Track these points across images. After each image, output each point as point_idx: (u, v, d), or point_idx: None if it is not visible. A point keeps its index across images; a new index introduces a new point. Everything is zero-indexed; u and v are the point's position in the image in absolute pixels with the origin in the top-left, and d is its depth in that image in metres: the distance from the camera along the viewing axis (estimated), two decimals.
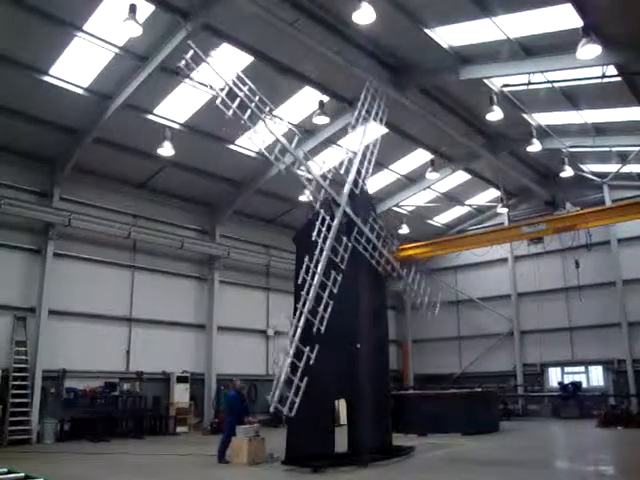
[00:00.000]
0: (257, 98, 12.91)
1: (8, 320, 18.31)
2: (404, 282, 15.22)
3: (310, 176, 13.54)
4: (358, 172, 14.53)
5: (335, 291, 12.54)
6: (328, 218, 13.19)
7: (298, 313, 12.10)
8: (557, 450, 16.75)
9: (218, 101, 12.46)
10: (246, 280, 25.76)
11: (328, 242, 12.91)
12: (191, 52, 12.35)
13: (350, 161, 14.58)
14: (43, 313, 18.61)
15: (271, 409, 11.24)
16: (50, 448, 16.68)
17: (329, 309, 12.33)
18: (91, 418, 19.05)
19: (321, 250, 12.75)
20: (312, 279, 12.44)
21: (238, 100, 12.62)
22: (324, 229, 12.99)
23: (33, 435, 17.62)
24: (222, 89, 12.44)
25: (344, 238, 13.35)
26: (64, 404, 19.00)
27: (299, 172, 13.54)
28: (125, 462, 14.18)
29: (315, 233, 12.84)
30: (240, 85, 12.76)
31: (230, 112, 12.42)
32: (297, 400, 11.24)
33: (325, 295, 12.43)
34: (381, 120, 15.81)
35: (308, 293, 12.29)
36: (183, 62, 12.29)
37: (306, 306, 12.15)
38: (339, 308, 12.91)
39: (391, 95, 18.52)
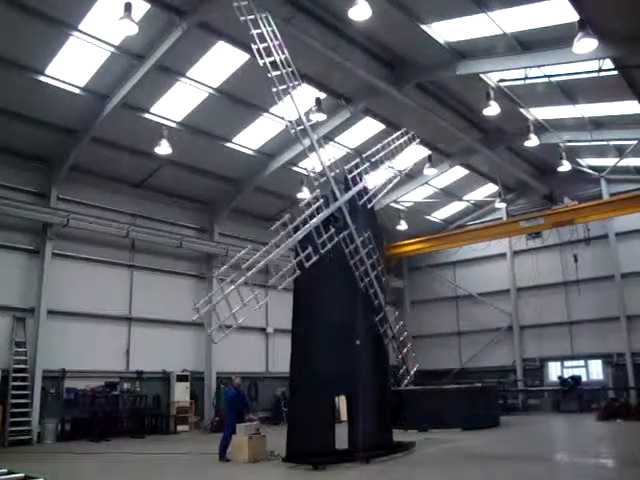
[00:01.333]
0: (290, 70, 12.94)
1: (7, 321, 18.29)
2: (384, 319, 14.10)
3: (318, 163, 13.40)
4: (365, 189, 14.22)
5: (306, 265, 12.47)
6: (322, 200, 13.05)
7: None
8: (557, 444, 16.78)
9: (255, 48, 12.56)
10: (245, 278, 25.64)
11: (314, 220, 12.72)
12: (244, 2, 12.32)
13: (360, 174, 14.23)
14: (42, 313, 18.61)
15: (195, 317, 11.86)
16: (50, 448, 16.69)
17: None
18: (91, 418, 19.04)
19: (304, 222, 12.66)
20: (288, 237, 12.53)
21: (271, 59, 12.71)
22: (313, 207, 12.87)
23: (33, 435, 17.63)
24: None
25: (332, 229, 13.04)
26: (64, 404, 19.01)
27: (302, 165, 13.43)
28: (126, 461, 14.19)
29: (304, 203, 12.82)
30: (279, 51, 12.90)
31: (262, 62, 12.55)
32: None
33: (294, 261, 12.51)
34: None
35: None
36: (235, 3, 12.34)
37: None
38: (338, 304, 12.93)
39: (388, 91, 18.57)
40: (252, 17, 12.53)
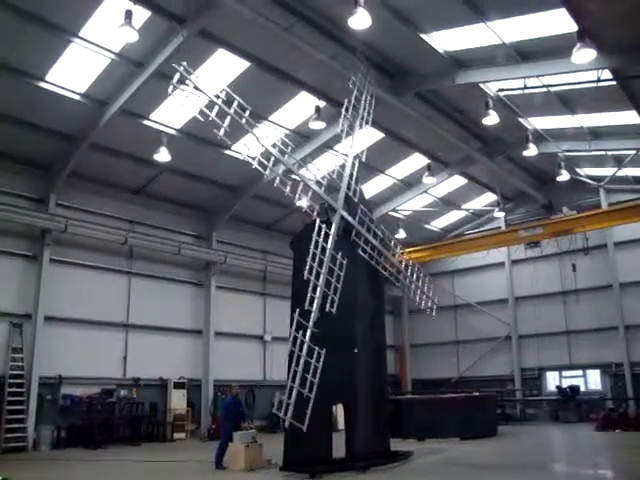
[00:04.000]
0: (247, 113, 12.98)
1: (4, 327, 18.20)
2: (403, 280, 15.09)
3: (306, 183, 13.50)
4: (351, 176, 14.40)
5: (336, 299, 12.47)
6: (325, 227, 13.11)
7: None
8: (556, 454, 16.71)
9: (212, 114, 12.57)
10: (243, 286, 25.70)
11: (327, 253, 12.83)
12: (182, 68, 12.18)
13: (343, 166, 14.48)
14: (39, 319, 18.53)
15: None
16: (46, 455, 16.59)
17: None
18: (88, 425, 18.92)
19: (320, 262, 12.65)
20: (314, 291, 12.34)
21: (229, 117, 12.77)
22: (321, 240, 12.90)
23: (29, 442, 17.49)
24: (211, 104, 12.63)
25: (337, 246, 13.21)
26: (60, 411, 18.89)
27: (295, 176, 13.49)
28: (122, 469, 14.12)
29: (312, 246, 12.73)
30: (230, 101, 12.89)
31: (221, 129, 12.67)
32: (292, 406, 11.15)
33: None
34: (367, 122, 15.56)
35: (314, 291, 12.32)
36: (176, 77, 12.20)
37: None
38: (337, 313, 12.89)
39: (387, 100, 18.60)
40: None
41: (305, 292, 12.37)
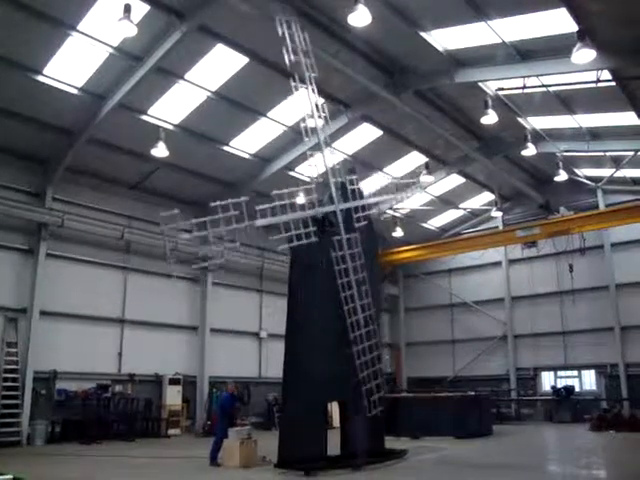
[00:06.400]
0: (314, 75, 13.41)
1: None
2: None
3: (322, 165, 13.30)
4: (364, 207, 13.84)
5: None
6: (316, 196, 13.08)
7: None
8: (550, 454, 16.73)
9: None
10: (239, 282, 25.64)
11: (310, 211, 12.92)
12: None
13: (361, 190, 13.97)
14: (35, 314, 18.48)
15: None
16: (40, 450, 16.55)
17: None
18: (82, 420, 18.89)
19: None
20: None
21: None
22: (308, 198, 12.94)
23: (23, 437, 17.46)
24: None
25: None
26: (55, 406, 18.85)
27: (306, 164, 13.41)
28: (116, 464, 14.07)
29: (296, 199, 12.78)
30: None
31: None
32: None
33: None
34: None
35: None
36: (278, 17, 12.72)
37: None
38: (333, 310, 12.87)
39: (386, 98, 18.58)
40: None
41: (300, 292, 12.33)
